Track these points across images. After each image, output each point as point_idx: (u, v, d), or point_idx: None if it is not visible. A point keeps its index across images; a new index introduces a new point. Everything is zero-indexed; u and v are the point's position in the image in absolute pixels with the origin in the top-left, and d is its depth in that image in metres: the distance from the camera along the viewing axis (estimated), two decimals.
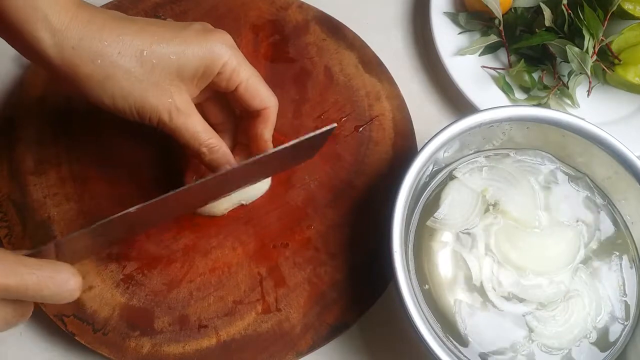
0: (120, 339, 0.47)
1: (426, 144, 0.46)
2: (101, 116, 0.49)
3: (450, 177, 0.50)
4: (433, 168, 0.49)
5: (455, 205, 0.49)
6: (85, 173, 0.52)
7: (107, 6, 0.58)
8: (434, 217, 0.48)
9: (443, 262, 0.47)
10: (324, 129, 0.43)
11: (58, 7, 0.37)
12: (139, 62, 0.39)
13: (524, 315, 0.46)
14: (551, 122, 0.49)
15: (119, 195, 0.52)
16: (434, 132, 0.47)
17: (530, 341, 0.45)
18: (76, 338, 0.47)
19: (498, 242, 0.47)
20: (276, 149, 0.42)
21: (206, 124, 0.44)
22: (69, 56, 0.37)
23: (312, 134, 0.43)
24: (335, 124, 0.43)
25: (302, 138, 0.42)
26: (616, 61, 0.58)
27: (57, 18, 0.37)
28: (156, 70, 0.40)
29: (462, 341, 0.45)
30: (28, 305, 0.37)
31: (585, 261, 0.48)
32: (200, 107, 0.48)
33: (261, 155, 0.42)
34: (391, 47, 0.62)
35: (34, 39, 0.37)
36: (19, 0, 0.36)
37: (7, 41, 0.40)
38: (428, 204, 0.49)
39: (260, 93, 0.45)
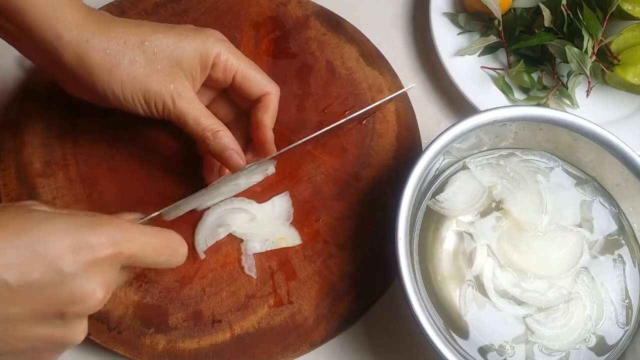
0: (135, 337, 0.47)
1: (435, 139, 0.47)
2: (108, 116, 0.50)
3: (463, 167, 0.51)
4: (444, 158, 0.50)
5: (460, 193, 0.50)
6: (94, 173, 0.52)
7: (108, 6, 0.58)
8: (434, 199, 0.49)
9: (447, 255, 0.48)
10: (396, 93, 0.54)
11: (73, 10, 0.42)
12: (142, 50, 0.44)
13: (524, 317, 0.46)
14: (565, 125, 0.48)
15: (127, 195, 0.52)
16: (434, 131, 0.48)
17: (530, 341, 0.45)
18: (91, 338, 0.47)
19: (501, 244, 0.48)
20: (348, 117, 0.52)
21: (209, 111, 0.46)
22: (83, 49, 0.42)
23: (381, 101, 0.53)
24: (414, 84, 0.55)
25: (368, 107, 0.53)
26: (615, 61, 0.58)
27: (73, 17, 0.42)
28: (157, 58, 0.44)
29: (463, 334, 0.45)
30: (129, 272, 0.42)
31: (588, 265, 0.48)
32: (209, 108, 0.49)
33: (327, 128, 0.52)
34: (391, 47, 0.62)
35: (54, 35, 0.42)
36: (42, 5, 0.41)
37: (16, 45, 0.44)
38: (436, 191, 0.50)
39: (257, 79, 0.48)
